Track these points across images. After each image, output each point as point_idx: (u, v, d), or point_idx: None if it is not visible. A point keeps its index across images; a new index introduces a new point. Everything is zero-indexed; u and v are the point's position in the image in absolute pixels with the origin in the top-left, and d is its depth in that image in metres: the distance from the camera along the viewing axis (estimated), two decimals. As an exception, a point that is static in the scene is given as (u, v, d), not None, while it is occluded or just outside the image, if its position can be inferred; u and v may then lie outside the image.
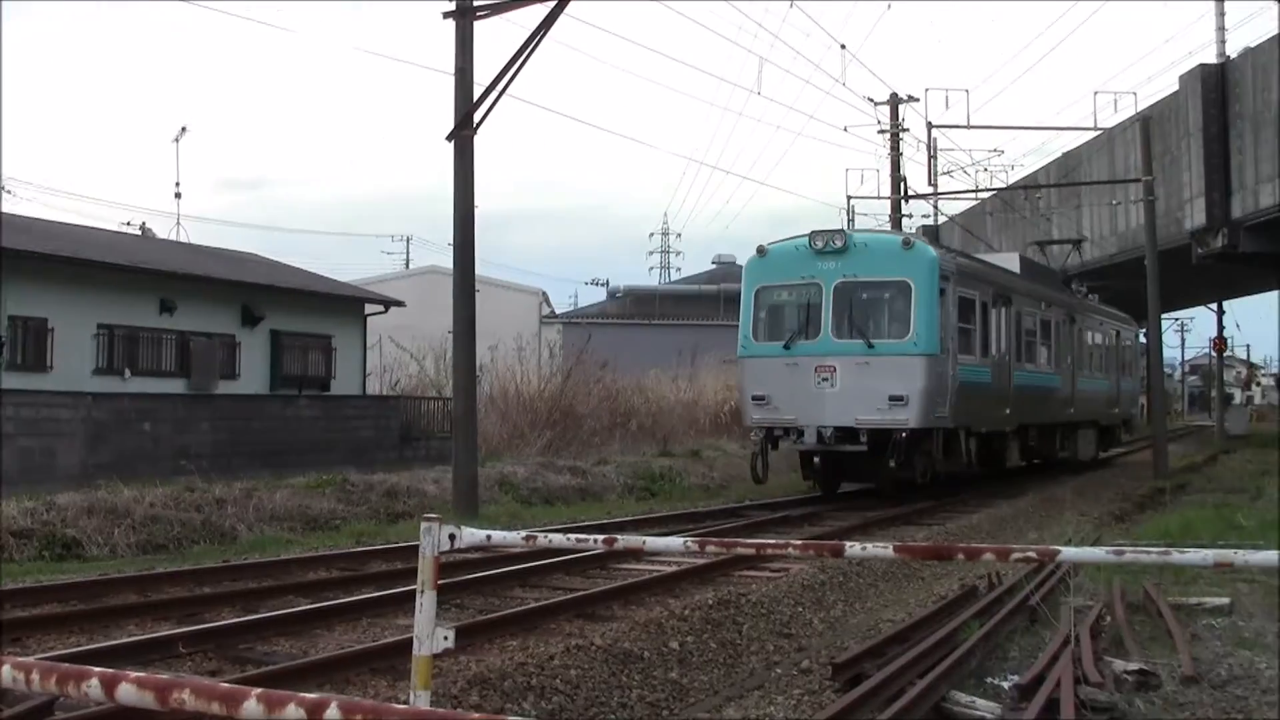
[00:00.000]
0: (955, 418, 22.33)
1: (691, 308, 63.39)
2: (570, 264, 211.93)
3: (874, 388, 21.55)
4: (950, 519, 20.78)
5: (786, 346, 22.59)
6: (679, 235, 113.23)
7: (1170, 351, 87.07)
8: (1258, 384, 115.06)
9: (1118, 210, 42.73)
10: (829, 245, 22.63)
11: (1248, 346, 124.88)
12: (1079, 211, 46.25)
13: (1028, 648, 9.38)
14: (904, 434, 21.39)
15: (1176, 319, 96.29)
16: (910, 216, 40.97)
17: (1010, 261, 28.79)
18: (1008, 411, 25.44)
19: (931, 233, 62.65)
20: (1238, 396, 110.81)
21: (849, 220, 41.91)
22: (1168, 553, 4.55)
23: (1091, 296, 36.41)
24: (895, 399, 21.61)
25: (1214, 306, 60.17)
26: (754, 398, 22.87)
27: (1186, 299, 60.85)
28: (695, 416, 37.62)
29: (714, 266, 67.32)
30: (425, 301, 39.33)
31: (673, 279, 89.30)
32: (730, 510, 21.62)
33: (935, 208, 46.43)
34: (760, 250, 23.49)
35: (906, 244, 22.38)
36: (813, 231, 22.90)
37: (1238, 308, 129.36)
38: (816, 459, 22.81)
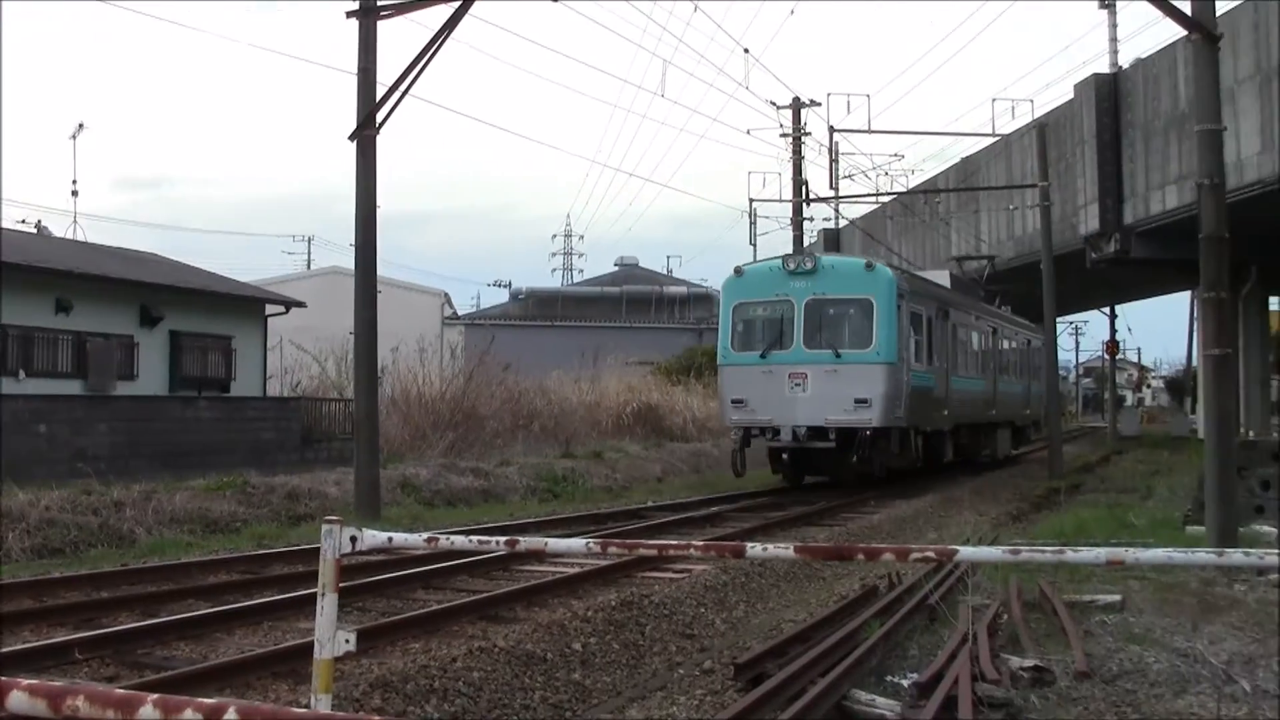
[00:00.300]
0: (908, 418, 25.21)
1: (594, 309, 62.93)
2: (473, 265, 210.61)
3: (841, 392, 24.25)
4: (851, 519, 20.86)
5: (763, 356, 25.32)
6: (582, 237, 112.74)
7: (1065, 354, 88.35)
8: (1148, 386, 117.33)
9: (1015, 215, 43.33)
10: (800, 267, 25.52)
11: (1139, 349, 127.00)
12: (977, 216, 46.70)
13: (927, 646, 9.49)
14: (868, 432, 24.16)
15: (1071, 322, 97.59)
16: (811, 220, 40.31)
17: (942, 277, 31.69)
18: (946, 413, 28.49)
19: (832, 236, 66.02)
20: (1129, 398, 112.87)
21: (751, 222, 42.97)
22: (1062, 552, 4.63)
23: (1005, 306, 38.94)
24: (860, 401, 24.44)
25: (1107, 310, 61.11)
26: (733, 401, 25.56)
27: (1081, 303, 61.51)
28: (598, 418, 37.41)
29: (616, 268, 67.33)
30: (327, 302, 39.01)
31: (575, 280, 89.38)
32: (633, 512, 21.59)
33: (836, 211, 46.54)
34: (737, 271, 26.25)
35: (869, 266, 25.22)
36: (785, 255, 25.97)
37: (1130, 312, 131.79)
38: (785, 455, 25.97)
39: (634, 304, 63.89)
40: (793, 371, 25.11)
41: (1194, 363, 56.20)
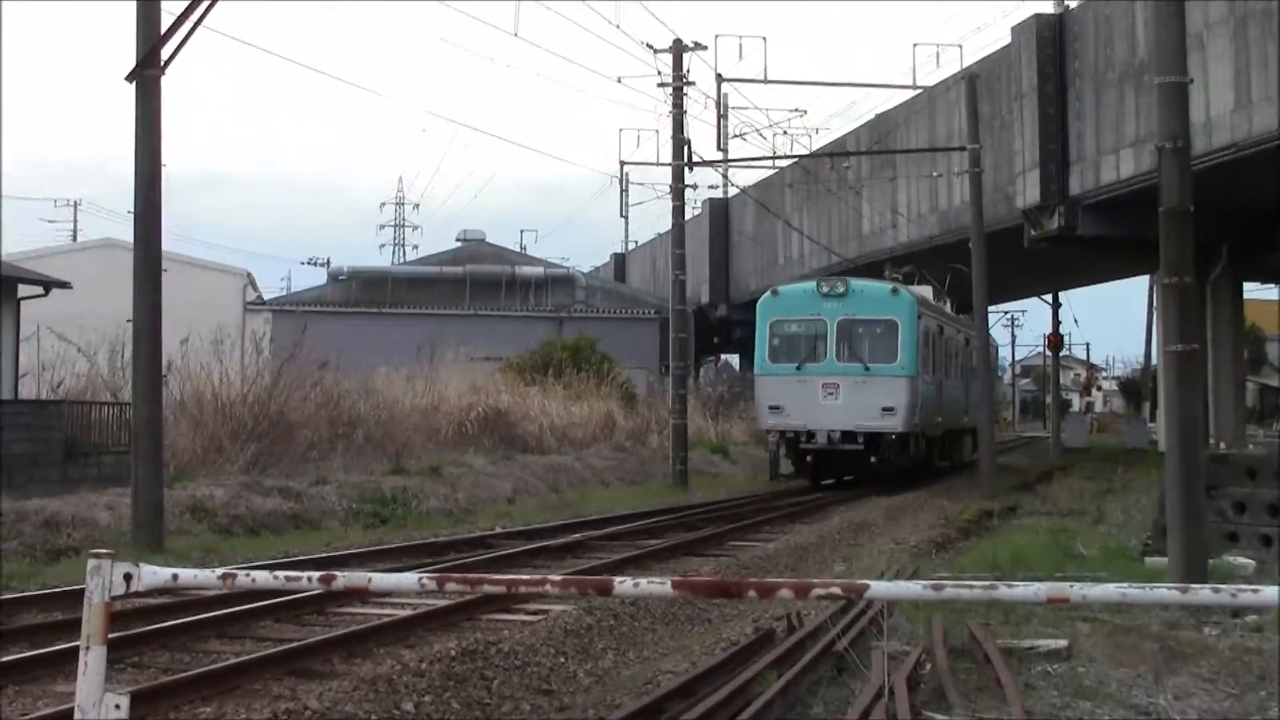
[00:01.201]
0: (921, 424, 34.48)
1: (431, 293, 63.94)
2: (283, 240, 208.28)
3: (870, 401, 33.23)
4: (743, 548, 21.27)
5: (799, 367, 34.43)
6: (417, 206, 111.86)
7: (999, 350, 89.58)
8: (1098, 388, 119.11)
9: (939, 184, 43.95)
10: (833, 290, 34.91)
11: (1087, 345, 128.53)
12: (894, 184, 47.30)
13: (835, 701, 9.64)
14: (893, 436, 33.54)
15: (1006, 312, 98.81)
16: (695, 188, 40.03)
17: (926, 292, 39.11)
18: (940, 419, 37.79)
19: (719, 208, 70.58)
20: (1076, 403, 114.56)
21: (623, 190, 48.65)
22: (995, 586, 4.67)
23: (945, 304, 43.33)
24: (886, 409, 33.55)
25: (1049, 298, 62.17)
26: (770, 407, 35.00)
27: (1017, 288, 62.44)
28: (436, 425, 37.53)
29: (459, 245, 68.16)
30: (98, 283, 38.68)
31: (409, 259, 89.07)
32: (478, 540, 21.67)
33: (725, 177, 45.93)
34: (774, 291, 35.95)
35: (894, 291, 34.71)
36: (819, 279, 36.13)
37: (1077, 299, 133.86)
38: (810, 457, 34.65)
39: (480, 287, 65.05)
40: (826, 382, 34.12)
41: (1153, 360, 57.37)
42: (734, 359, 75.27)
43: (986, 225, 34.95)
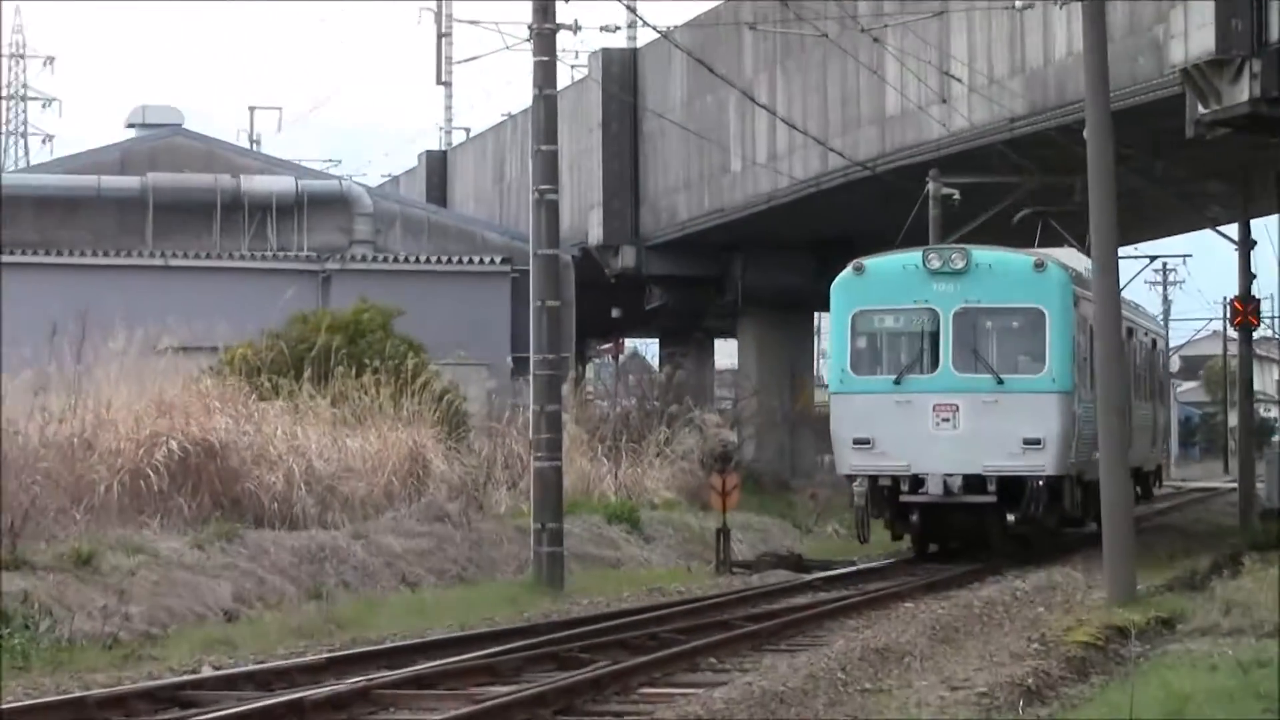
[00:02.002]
0: (1079, 463, 33.34)
1: (81, 224, 54.37)
2: None
3: (1004, 429, 31.50)
4: (665, 701, 18.09)
5: (897, 381, 32.33)
6: (50, 63, 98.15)
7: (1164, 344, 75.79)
8: None
9: (1024, 22, 38.78)
10: (947, 265, 32.33)
11: None
12: (943, 25, 41.96)
13: None
14: (1040, 482, 31.78)
15: (1151, 258, 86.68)
16: (577, 29, 34.76)
17: (1074, 259, 36.98)
18: (1097, 456, 32.67)
19: (622, 68, 60.90)
20: None
21: (439, 37, 48.73)
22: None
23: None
24: (1030, 442, 31.51)
25: (1231, 229, 53.09)
26: (855, 441, 32.58)
27: (1164, 219, 57.03)
28: (88, 476, 32.38)
29: (135, 134, 58.83)
30: None
31: (34, 163, 75.28)
32: (168, 693, 18.21)
33: (632, 10, 44.97)
34: (857, 267, 33.53)
35: (1039, 266, 32.74)
36: (927, 249, 34.52)
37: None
38: (915, 514, 32.92)
39: (173, 214, 54.82)
40: (939, 403, 31.60)
41: None
42: (650, 346, 65.55)
43: (1116, 95, 30.68)
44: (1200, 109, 31.25)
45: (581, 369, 59.45)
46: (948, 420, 31.44)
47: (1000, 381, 31.61)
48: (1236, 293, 52.97)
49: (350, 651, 22.59)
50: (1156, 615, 25.16)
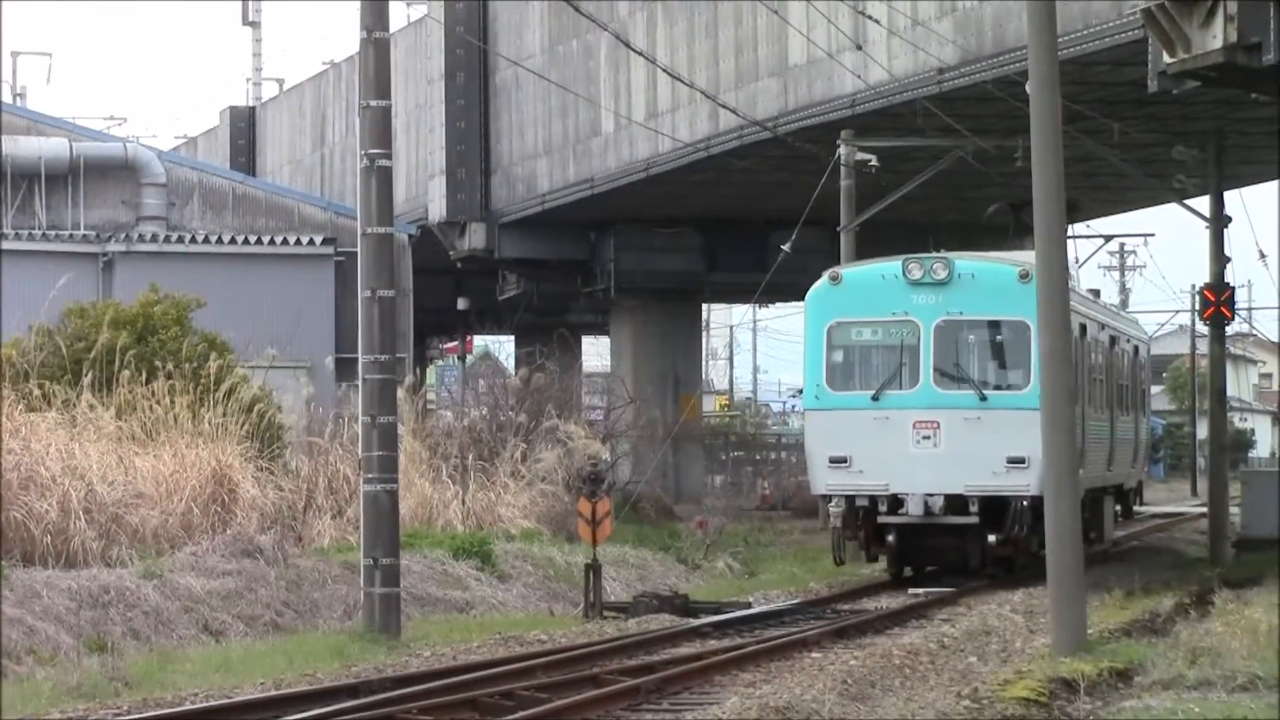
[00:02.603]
0: None
1: None
2: None
3: (988, 447, 33.68)
4: None
5: (875, 397, 35.04)
6: None
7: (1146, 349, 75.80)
8: None
9: None
10: (928, 275, 34.46)
11: None
12: None
13: None
14: (1024, 502, 34.19)
15: (1106, 239, 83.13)
16: None
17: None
18: (1080, 473, 35.31)
19: (467, 8, 58.89)
20: (1269, 438, 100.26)
21: None
22: None
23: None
24: (1014, 461, 33.67)
25: (1201, 202, 51.29)
26: (831, 460, 35.23)
27: (1124, 193, 58.55)
28: None
29: None
30: None
31: None
32: None
33: None
34: (833, 276, 36.29)
35: (1024, 276, 33.66)
36: (907, 258, 36.13)
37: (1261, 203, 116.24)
38: (893, 535, 35.53)
39: None
40: (920, 419, 34.02)
41: None
42: (504, 345, 65.23)
43: (1065, 41, 31.04)
44: (1166, 58, 30.51)
45: (421, 372, 59.02)
46: (928, 438, 33.91)
47: (983, 398, 33.55)
48: (1207, 280, 51.21)
49: (141, 716, 22.13)
50: (1110, 665, 24.90)
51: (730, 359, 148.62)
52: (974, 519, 33.98)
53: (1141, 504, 54.72)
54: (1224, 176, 49.65)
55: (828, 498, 35.97)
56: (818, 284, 36.15)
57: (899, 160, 45.81)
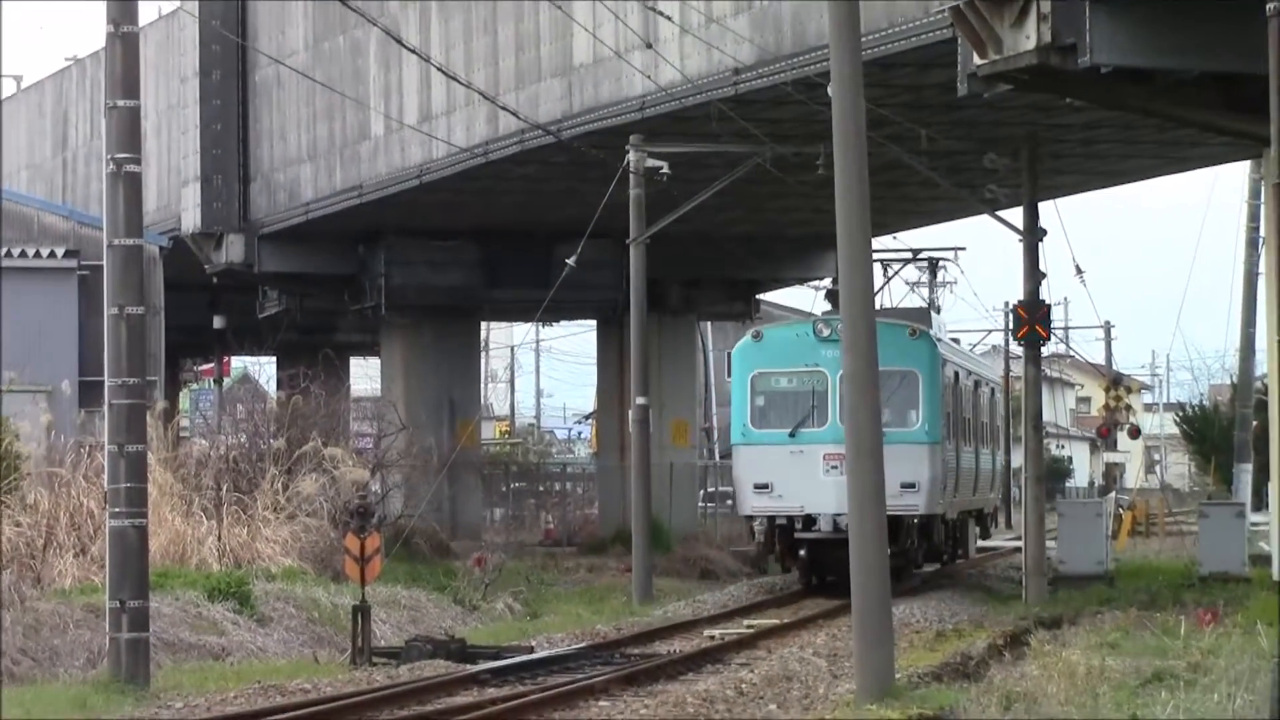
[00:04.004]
0: (945, 504, 48.29)
1: None
2: None
3: (885, 474, 35.19)
4: None
5: (792, 434, 44.60)
6: None
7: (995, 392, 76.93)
8: (1133, 427, 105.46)
9: None
10: (835, 333, 41.58)
11: (1108, 328, 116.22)
12: None
13: None
14: (915, 520, 45.16)
15: (915, 253, 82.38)
16: None
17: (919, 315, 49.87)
18: (956, 496, 50.83)
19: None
20: (1085, 466, 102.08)
21: None
22: None
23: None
24: (906, 486, 42.81)
25: (1015, 214, 50.88)
26: (756, 486, 44.96)
27: (933, 205, 60.38)
28: None
29: None
30: None
31: None
32: None
33: None
34: (756, 334, 47.19)
35: (914, 333, 44.96)
36: (816, 318, 48.80)
37: (1078, 216, 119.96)
38: (804, 549, 44.93)
39: None
40: (829, 452, 41.89)
41: (1260, 355, 58.76)
42: (265, 367, 65.70)
43: (869, 41, 30.74)
44: (976, 60, 30.95)
45: (173, 397, 58.10)
46: (836, 467, 40.01)
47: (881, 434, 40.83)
48: (1021, 296, 51.30)
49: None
50: (919, 712, 25.21)
51: (511, 382, 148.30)
52: None
53: (997, 526, 65.58)
54: (1037, 186, 49.98)
55: (753, 518, 44.40)
56: (742, 340, 46.74)
57: (692, 168, 46.49)
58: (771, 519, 44.26)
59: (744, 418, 44.96)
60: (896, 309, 53.68)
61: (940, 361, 44.75)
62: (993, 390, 58.16)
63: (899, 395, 42.32)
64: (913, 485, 42.71)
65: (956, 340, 58.74)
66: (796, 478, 43.34)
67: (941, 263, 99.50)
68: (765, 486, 43.74)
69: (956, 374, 49.29)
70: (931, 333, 46.24)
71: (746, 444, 45.56)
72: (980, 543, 61.44)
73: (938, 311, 56.47)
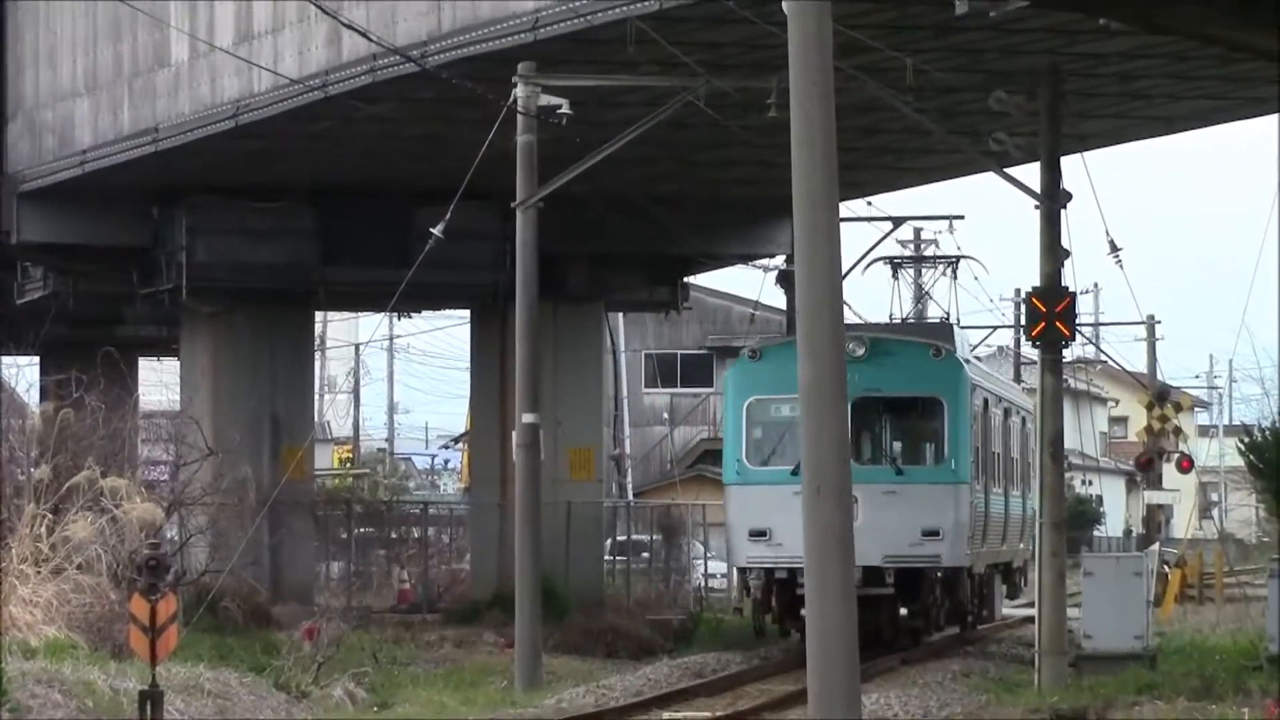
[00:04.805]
0: (973, 554, 52.55)
1: None
2: None
3: (904, 520, 46.21)
4: None
5: (795, 472, 41.87)
6: None
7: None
8: (1184, 457, 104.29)
9: None
10: (848, 352, 41.20)
11: (1152, 322, 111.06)
12: None
13: None
14: (938, 574, 49.39)
15: (898, 220, 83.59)
16: None
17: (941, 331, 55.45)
18: (985, 548, 54.74)
19: None
20: (1120, 506, 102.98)
21: None
22: None
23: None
24: (929, 533, 47.46)
25: (1030, 170, 52.03)
26: (751, 533, 47.75)
27: (933, 160, 59.42)
28: None
29: None
30: None
31: None
32: None
33: None
34: (752, 353, 50.06)
35: (937, 353, 48.39)
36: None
37: (1111, 178, 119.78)
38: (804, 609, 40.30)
39: None
40: None
41: None
42: (25, 371, 66.45)
43: None
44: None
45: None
46: None
47: (899, 472, 43.61)
48: (1036, 283, 49.84)
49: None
50: None
51: (356, 393, 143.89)
52: (889, 590, 42.98)
53: (1026, 584, 63.30)
54: (1060, 136, 49.02)
55: (748, 570, 46.14)
56: (737, 360, 47.68)
57: (602, 107, 46.19)
58: (770, 571, 45.37)
59: (738, 452, 45.78)
60: (911, 324, 57.65)
61: (970, 387, 45.86)
62: (1024, 420, 58.63)
63: (920, 426, 45.00)
64: (936, 532, 44.50)
65: (979, 358, 60.56)
66: (800, 524, 37.52)
67: (931, 235, 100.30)
68: (762, 534, 44.86)
69: (986, 401, 50.40)
70: (958, 353, 47.20)
71: (741, 484, 46.40)
72: (1006, 604, 63.86)
73: (929, 297, 59.02)
